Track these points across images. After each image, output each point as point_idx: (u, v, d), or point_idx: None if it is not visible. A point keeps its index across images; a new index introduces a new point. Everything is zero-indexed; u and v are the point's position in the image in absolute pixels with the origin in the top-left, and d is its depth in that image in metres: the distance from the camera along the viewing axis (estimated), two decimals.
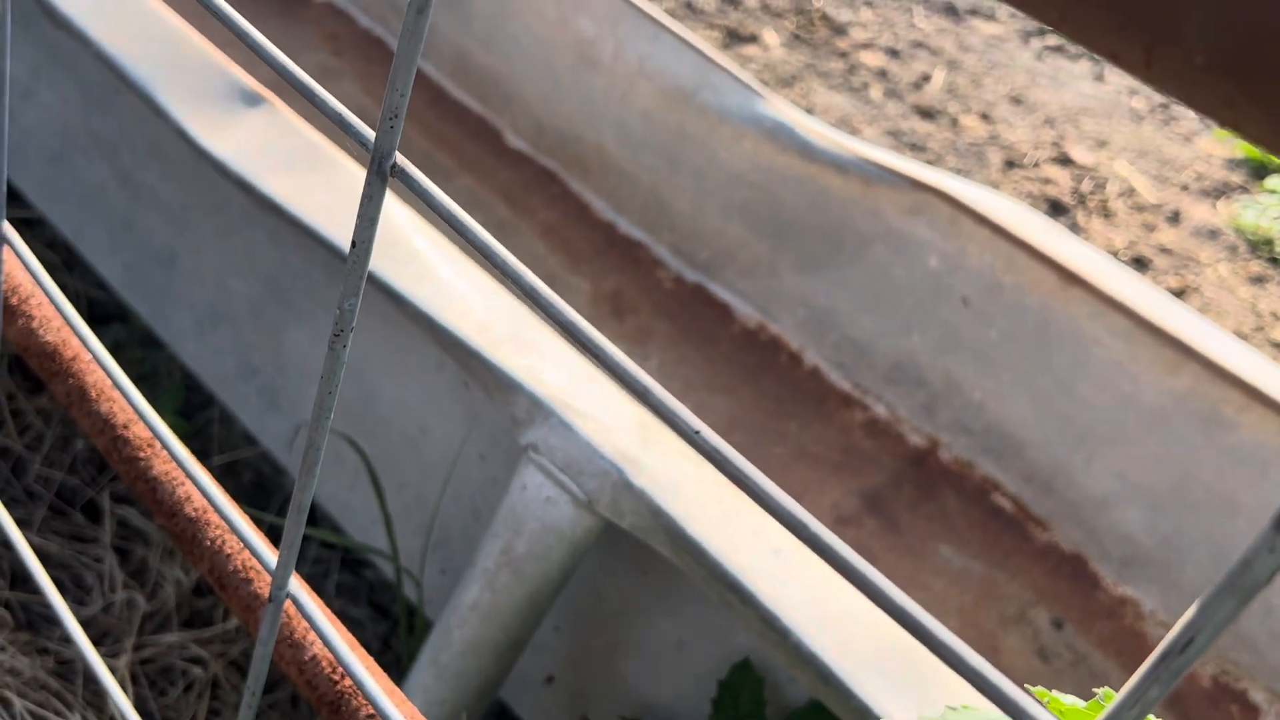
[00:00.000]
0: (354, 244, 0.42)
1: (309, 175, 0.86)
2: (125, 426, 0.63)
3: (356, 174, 0.87)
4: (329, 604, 1.24)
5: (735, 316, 1.43)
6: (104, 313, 1.40)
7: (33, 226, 1.42)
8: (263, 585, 0.58)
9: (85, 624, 1.08)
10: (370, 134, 0.39)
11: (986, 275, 1.25)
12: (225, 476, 1.31)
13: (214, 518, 0.62)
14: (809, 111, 2.71)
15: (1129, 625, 1.22)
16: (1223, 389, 1.14)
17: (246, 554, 0.59)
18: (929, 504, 1.29)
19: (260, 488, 1.31)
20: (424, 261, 0.80)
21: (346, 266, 0.42)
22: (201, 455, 1.30)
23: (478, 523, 0.85)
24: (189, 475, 0.56)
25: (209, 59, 0.94)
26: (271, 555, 0.53)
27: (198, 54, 0.94)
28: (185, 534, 0.60)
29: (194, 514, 0.61)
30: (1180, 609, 1.21)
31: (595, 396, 0.73)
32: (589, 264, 1.46)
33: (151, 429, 0.56)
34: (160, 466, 0.63)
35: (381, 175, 0.40)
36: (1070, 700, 0.52)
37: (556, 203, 1.52)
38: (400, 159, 0.40)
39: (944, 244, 1.27)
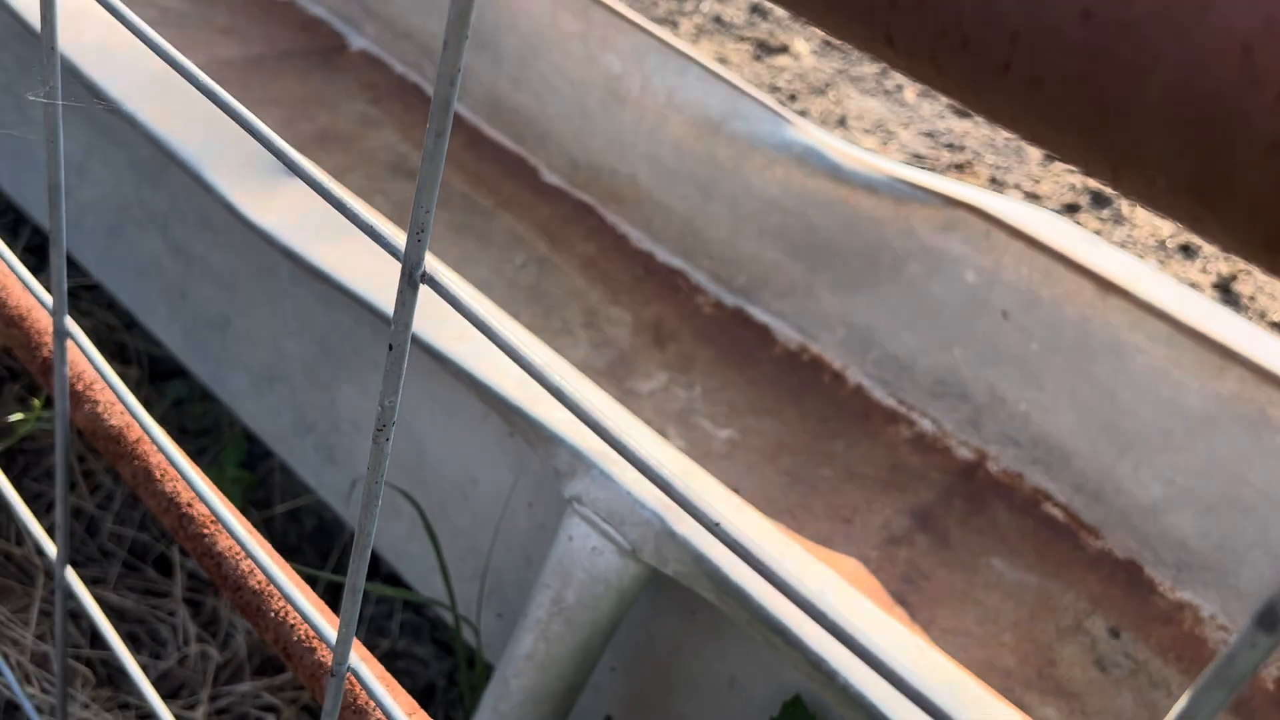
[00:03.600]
0: (391, 347, 0.45)
1: (351, 241, 0.89)
2: (189, 505, 0.66)
3: (399, 242, 0.90)
4: (393, 644, 1.27)
5: (776, 338, 1.45)
6: (165, 369, 1.45)
7: (93, 290, 1.47)
8: (325, 654, 0.61)
9: (162, 677, 1.13)
10: (400, 245, 0.42)
11: (1024, 288, 1.26)
12: (289, 523, 1.35)
13: (277, 590, 0.65)
14: (843, 119, 2.72)
15: (1188, 630, 1.22)
16: (1270, 391, 1.13)
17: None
18: (979, 517, 1.30)
19: (323, 532, 1.35)
20: (456, 318, 0.83)
21: (385, 367, 0.45)
22: (264, 504, 1.35)
23: (530, 568, 0.88)
24: (250, 554, 0.59)
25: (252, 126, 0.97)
26: (331, 630, 0.56)
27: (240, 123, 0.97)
28: (250, 606, 0.63)
29: (258, 587, 0.64)
30: (1239, 612, 1.21)
31: (634, 446, 0.75)
32: (628, 294, 1.49)
33: (211, 509, 0.59)
34: (224, 542, 0.66)
35: (413, 284, 0.43)
36: None
37: (594, 235, 1.55)
38: (429, 267, 0.42)
39: (980, 259, 1.28)
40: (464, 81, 1.67)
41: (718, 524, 0.37)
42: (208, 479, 0.64)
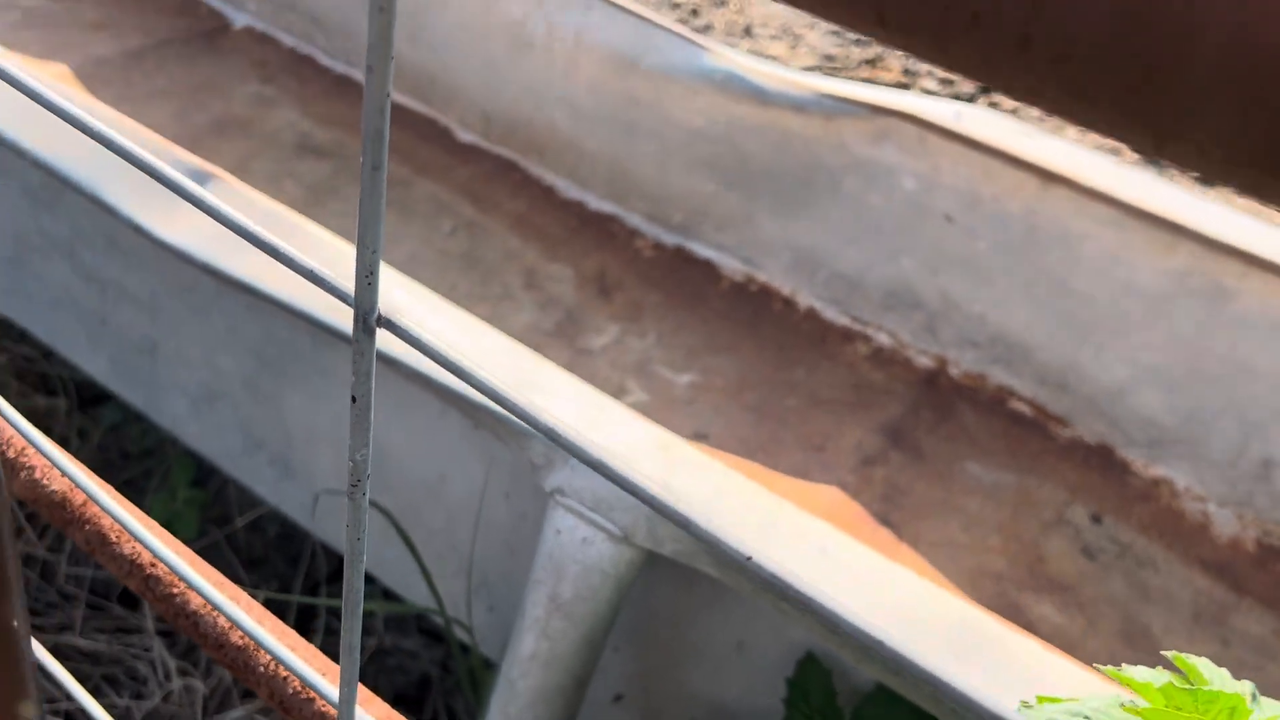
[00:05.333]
0: (354, 399, 0.41)
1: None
2: (153, 565, 0.62)
3: (326, 240, 0.85)
4: (379, 641, 1.24)
5: (721, 272, 1.42)
6: (96, 393, 1.38)
7: (3, 324, 1.39)
8: (325, 704, 0.58)
9: (150, 716, 1.09)
10: (349, 290, 0.38)
11: (964, 189, 1.24)
12: (252, 534, 1.31)
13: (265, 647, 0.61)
14: (748, 28, 2.66)
15: (1166, 505, 1.23)
16: (1220, 260, 1.13)
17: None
18: (948, 424, 1.29)
19: (288, 538, 1.30)
20: (407, 316, 0.79)
21: (350, 420, 0.41)
22: (223, 520, 1.30)
23: (514, 558, 0.85)
24: (226, 614, 0.55)
25: (146, 141, 0.91)
26: (330, 687, 0.53)
27: (134, 139, 0.91)
28: (236, 663, 0.59)
29: (241, 642, 0.60)
30: (1214, 481, 1.22)
31: (609, 427, 0.72)
32: (566, 247, 1.44)
33: (177, 572, 0.55)
34: (197, 600, 0.62)
35: (368, 330, 0.39)
36: (1144, 675, 0.52)
37: (521, 191, 1.50)
38: (383, 310, 0.39)
39: (916, 164, 1.25)
40: (355, 45, 1.60)
41: (749, 558, 0.35)
42: (167, 535, 0.60)
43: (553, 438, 0.38)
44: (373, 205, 0.35)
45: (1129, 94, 0.22)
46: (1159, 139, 0.23)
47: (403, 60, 1.56)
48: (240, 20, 1.65)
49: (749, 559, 0.35)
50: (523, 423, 0.71)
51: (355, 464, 0.43)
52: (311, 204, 1.41)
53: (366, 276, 0.38)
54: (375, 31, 0.30)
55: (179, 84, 1.55)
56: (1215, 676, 0.53)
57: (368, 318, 0.39)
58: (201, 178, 0.88)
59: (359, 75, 1.60)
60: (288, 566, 1.28)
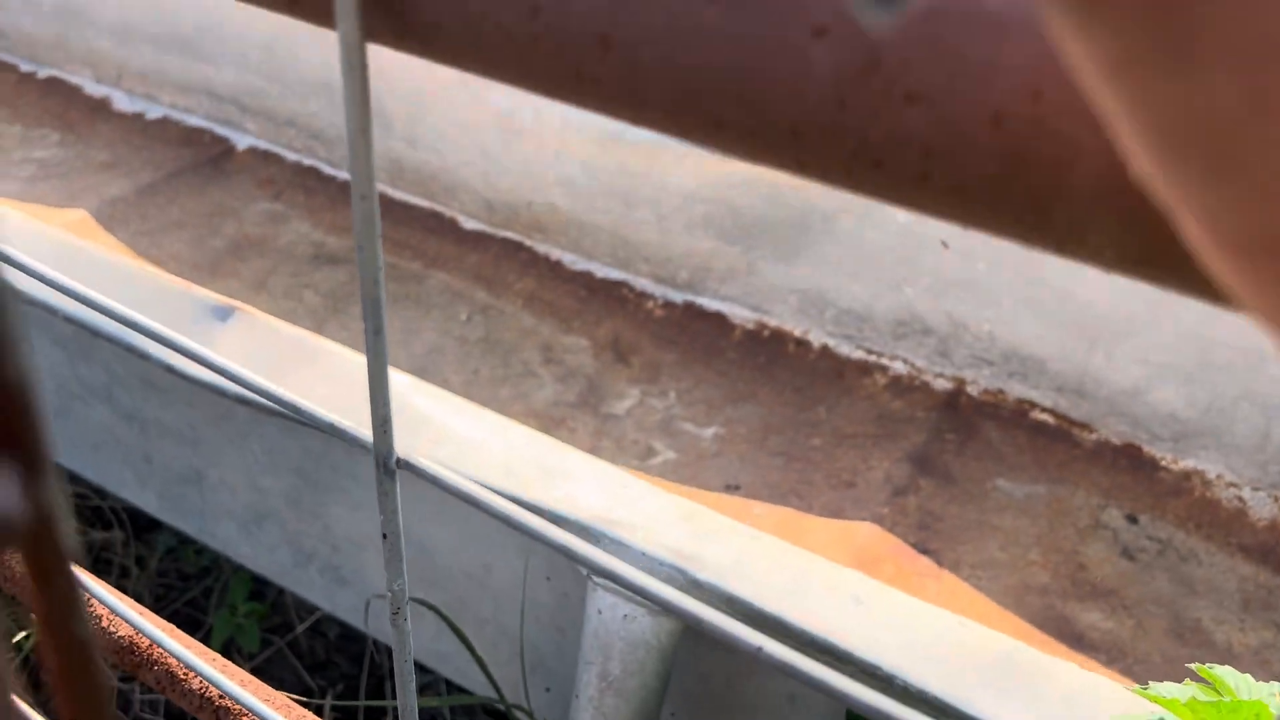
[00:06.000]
0: (384, 535, 0.44)
1: (302, 370, 0.88)
2: (222, 697, 0.66)
3: (347, 357, 0.89)
4: None
5: (732, 323, 1.45)
6: (150, 521, 1.43)
7: (55, 469, 1.44)
8: None
9: None
10: (369, 439, 0.42)
11: None
12: (313, 638, 1.34)
13: None
14: None
15: (1200, 496, 1.24)
16: None
17: None
18: (974, 443, 1.31)
19: (350, 638, 1.34)
20: (432, 422, 0.83)
21: (384, 554, 0.45)
22: (284, 628, 1.34)
23: (564, 637, 0.88)
24: None
25: (168, 286, 0.96)
26: None
27: (155, 285, 0.96)
28: None
29: None
30: (1244, 466, 1.23)
31: (634, 503, 0.75)
32: (579, 319, 1.48)
33: (243, 704, 0.59)
34: None
35: (389, 473, 0.42)
36: (1171, 692, 0.54)
37: (529, 270, 1.54)
38: (401, 453, 0.42)
39: None
40: None
41: (760, 648, 0.38)
42: (232, 667, 0.63)
43: (571, 556, 0.42)
44: (378, 365, 0.39)
45: (1023, 214, 0.26)
46: (1058, 246, 0.26)
47: (404, 161, 1.61)
48: (243, 142, 1.71)
49: (760, 649, 0.38)
50: (552, 509, 0.74)
51: (394, 594, 0.46)
52: (332, 311, 1.46)
53: (382, 425, 0.42)
54: (360, 216, 0.34)
55: (192, 212, 1.61)
56: (1240, 684, 0.55)
57: (387, 462, 0.43)
58: (224, 313, 0.93)
59: None
60: (351, 666, 1.32)
